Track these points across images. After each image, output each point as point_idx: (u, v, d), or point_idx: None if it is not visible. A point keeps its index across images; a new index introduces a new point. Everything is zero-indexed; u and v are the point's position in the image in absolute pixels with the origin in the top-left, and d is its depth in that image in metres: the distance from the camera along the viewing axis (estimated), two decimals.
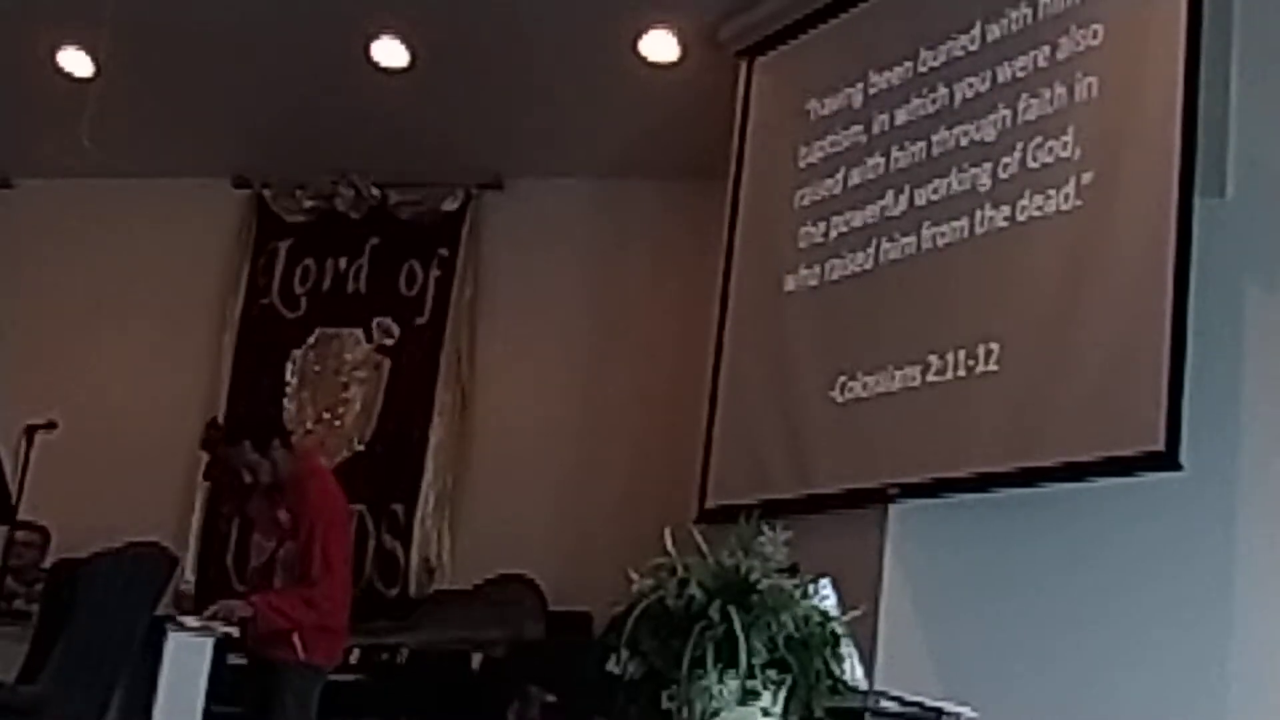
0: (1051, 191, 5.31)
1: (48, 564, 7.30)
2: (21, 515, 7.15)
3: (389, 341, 8.57)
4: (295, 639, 5.75)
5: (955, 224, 5.64)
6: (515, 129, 8.06)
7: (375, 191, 8.66)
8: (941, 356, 5.53)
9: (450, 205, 8.56)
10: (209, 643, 5.99)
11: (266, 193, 8.92)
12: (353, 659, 6.65)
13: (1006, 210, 5.46)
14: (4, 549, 7.40)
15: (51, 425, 7.10)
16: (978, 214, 5.57)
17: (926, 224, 5.76)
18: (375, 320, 8.61)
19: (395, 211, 8.66)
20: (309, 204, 8.85)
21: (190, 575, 8.37)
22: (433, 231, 8.58)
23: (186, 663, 5.87)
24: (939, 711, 2.97)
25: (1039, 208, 5.34)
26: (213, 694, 6.01)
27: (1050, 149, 5.35)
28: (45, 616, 5.98)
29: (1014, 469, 5.16)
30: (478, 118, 8.01)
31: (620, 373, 8.03)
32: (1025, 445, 5.17)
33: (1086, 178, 5.21)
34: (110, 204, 9.03)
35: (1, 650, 6.10)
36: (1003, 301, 5.43)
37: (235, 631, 5.81)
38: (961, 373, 5.43)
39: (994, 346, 5.35)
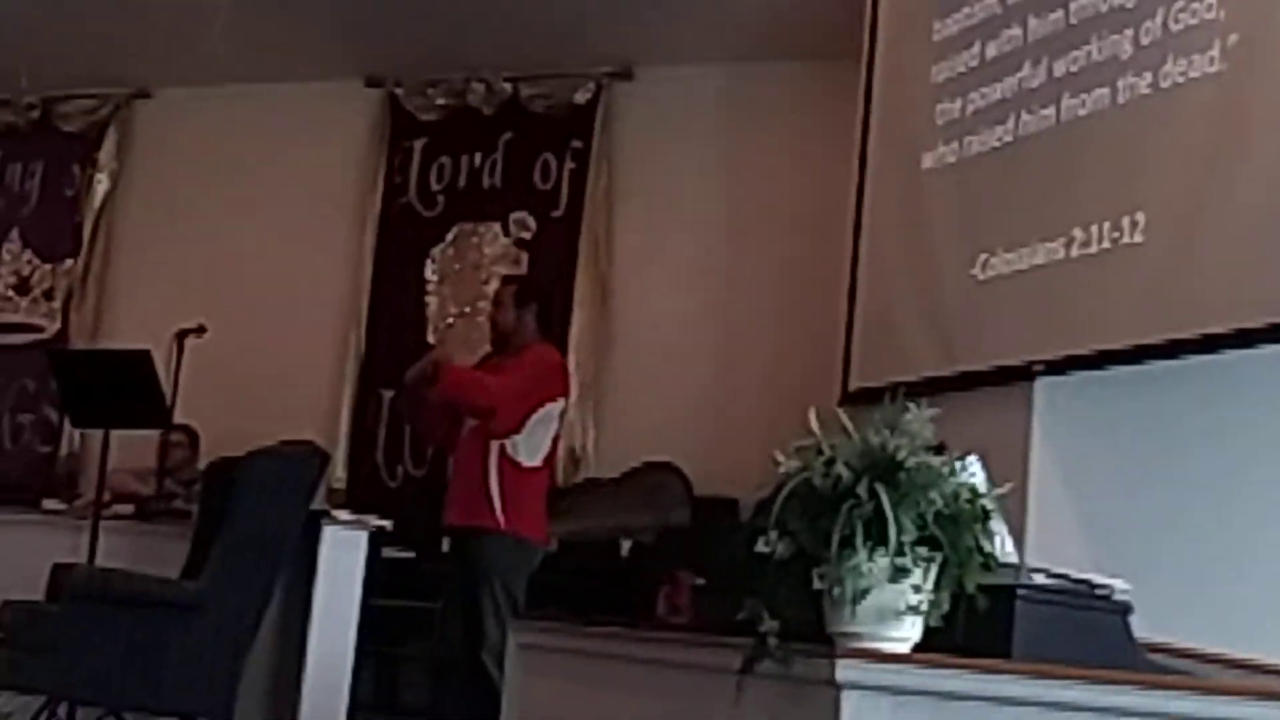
0: (1195, 56, 5.16)
1: (201, 465, 7.47)
2: (178, 418, 7.34)
3: (526, 235, 8.61)
4: (496, 506, 5.73)
5: (1096, 93, 5.51)
6: (645, 17, 7.99)
7: (506, 86, 8.67)
8: (1085, 229, 5.43)
9: (582, 97, 8.55)
10: (364, 536, 6.14)
11: (399, 91, 8.97)
12: None
13: (1149, 77, 5.33)
14: (161, 453, 7.58)
15: (200, 330, 7.25)
16: (1119, 82, 5.43)
17: (1066, 94, 5.63)
18: (512, 215, 8.66)
19: (527, 105, 8.67)
20: (441, 101, 8.89)
21: (341, 473, 8.54)
22: (565, 124, 8.58)
23: (343, 556, 6.02)
24: (1090, 584, 2.95)
25: (1182, 73, 5.20)
26: (370, 586, 6.15)
27: (1194, 11, 5.19)
28: (205, 514, 6.14)
29: (1160, 341, 5.08)
30: (606, 7, 7.96)
31: (759, 257, 8.01)
32: (1172, 316, 5.07)
33: (1232, 40, 5.05)
34: (247, 110, 9.15)
35: (165, 547, 6.28)
36: (1147, 171, 5.31)
37: (429, 371, 5.82)
38: (1106, 245, 5.34)
39: (1139, 217, 5.24)
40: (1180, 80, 5.20)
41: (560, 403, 6.07)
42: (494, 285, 8.48)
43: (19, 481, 8.82)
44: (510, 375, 5.81)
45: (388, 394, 8.57)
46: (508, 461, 5.80)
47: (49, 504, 7.49)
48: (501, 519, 5.74)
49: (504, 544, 5.74)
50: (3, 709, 5.46)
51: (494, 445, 5.78)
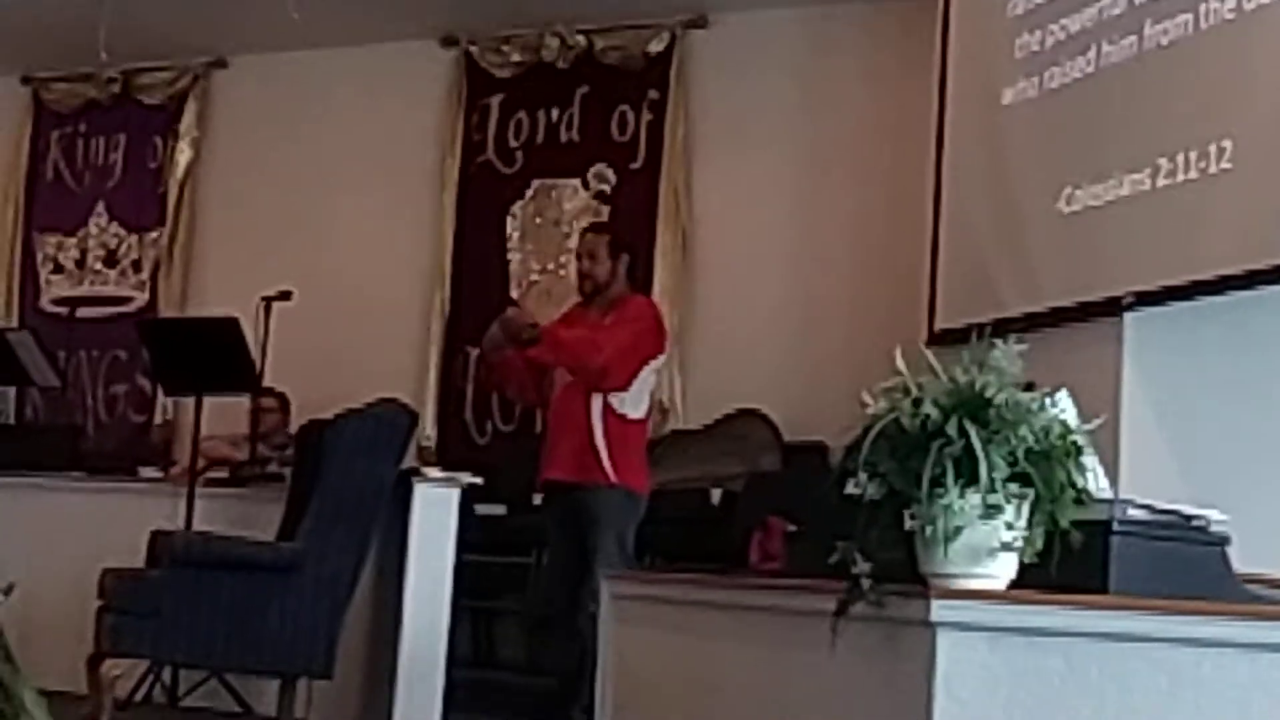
0: None
1: (293, 428, 7.54)
2: (267, 383, 7.41)
3: (606, 188, 8.60)
4: (605, 460, 5.76)
5: (1178, 19, 5.42)
6: None
7: (580, 38, 8.65)
8: (1171, 159, 5.35)
9: (656, 46, 8.51)
10: (455, 493, 6.17)
11: (473, 49, 8.97)
12: None
13: (1233, 1, 5.23)
14: (253, 418, 7.66)
15: (286, 295, 7.31)
16: (1201, 7, 5.34)
17: (1149, 22, 5.55)
18: (591, 168, 8.65)
19: (601, 57, 8.64)
20: (516, 58, 8.88)
21: (431, 431, 8.59)
22: (641, 75, 8.55)
23: (435, 514, 6.06)
24: (1186, 517, 2.91)
25: None
26: (463, 542, 6.19)
27: None
28: (298, 476, 6.21)
29: (1251, 270, 5.00)
30: None
31: (840, 200, 7.96)
32: (1263, 244, 4.99)
33: None
34: (323, 75, 9.19)
35: (260, 511, 6.36)
36: (1233, 97, 5.22)
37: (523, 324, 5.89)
38: (1193, 174, 5.26)
39: (1225, 144, 5.15)
40: (1265, 1, 5.10)
41: (661, 357, 6.15)
42: (575, 240, 8.58)
43: (116, 451, 8.95)
44: (619, 332, 5.83)
45: (474, 352, 8.61)
46: (613, 415, 5.83)
47: (145, 472, 7.58)
48: (611, 473, 5.77)
49: (616, 496, 5.78)
50: (108, 674, 5.54)
51: (597, 400, 5.80)
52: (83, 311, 9.32)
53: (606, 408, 5.81)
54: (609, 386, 5.79)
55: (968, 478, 2.52)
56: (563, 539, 5.94)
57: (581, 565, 5.72)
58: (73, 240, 9.86)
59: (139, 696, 6.31)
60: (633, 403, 5.88)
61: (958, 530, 2.53)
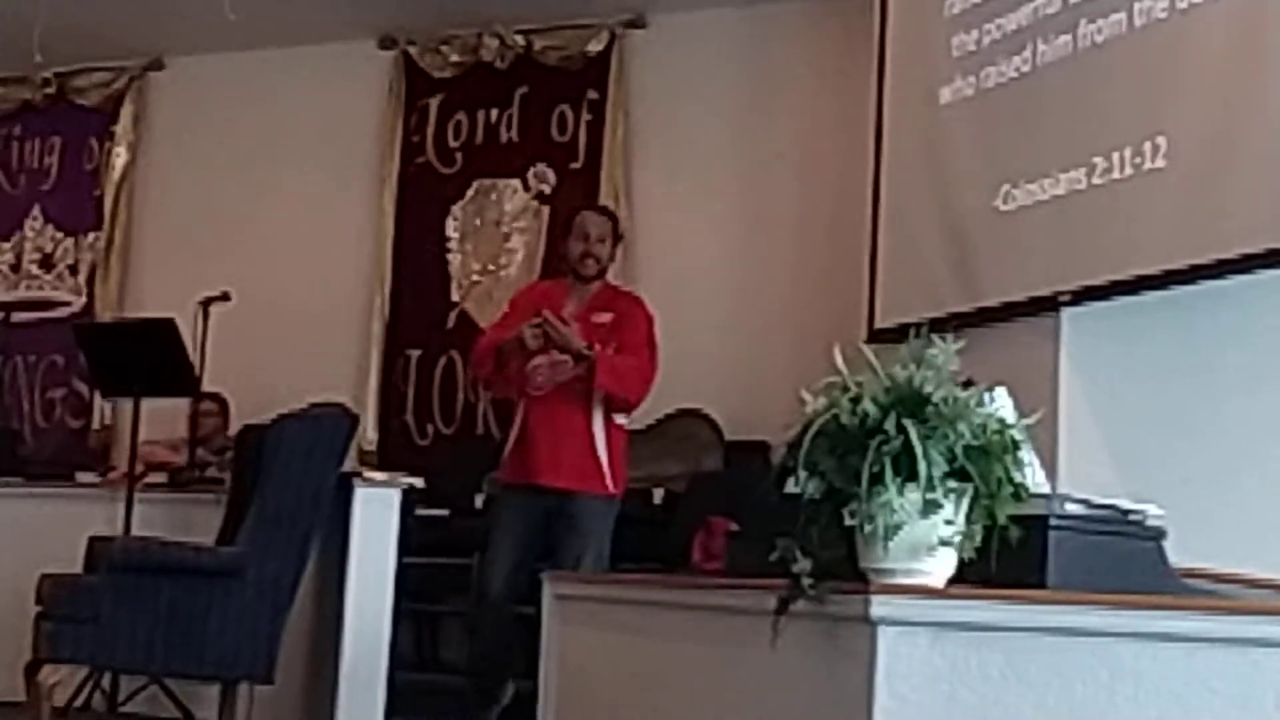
0: None
1: (232, 432, 7.49)
2: (207, 386, 7.35)
3: (546, 189, 8.59)
4: (605, 470, 5.68)
5: (1112, 18, 5.46)
6: None
7: (519, 39, 8.63)
8: (1106, 157, 5.40)
9: (596, 46, 8.50)
10: (396, 495, 6.14)
11: (412, 50, 8.94)
12: None
13: (1165, 0, 5.28)
14: (192, 422, 7.60)
15: (225, 297, 7.26)
16: (1135, 6, 5.38)
17: (1083, 21, 5.58)
18: (531, 169, 8.63)
19: (540, 57, 8.63)
20: (455, 58, 8.86)
21: (372, 433, 8.56)
22: (580, 75, 8.54)
23: (376, 516, 6.03)
24: (1123, 511, 2.94)
25: None
26: (405, 545, 6.16)
27: None
28: (237, 480, 6.17)
29: (1186, 265, 5.05)
30: None
31: (779, 199, 7.98)
32: (1197, 240, 5.04)
33: None
34: (261, 76, 9.14)
35: (200, 515, 6.32)
36: (1167, 95, 5.26)
37: (567, 364, 5.65)
38: (1129, 171, 5.30)
39: (1160, 142, 5.20)
40: (1197, 0, 5.14)
41: None
42: (516, 240, 8.57)
43: (53, 457, 8.87)
44: (645, 358, 5.81)
45: (415, 354, 8.60)
46: (613, 425, 5.79)
47: (83, 477, 7.52)
48: (610, 483, 5.71)
49: (602, 504, 5.71)
50: (46, 681, 5.49)
51: (599, 410, 5.72)
52: (18, 316, 9.21)
53: (608, 417, 5.76)
54: (633, 411, 5.85)
55: (906, 474, 2.53)
56: (520, 538, 5.77)
57: (534, 564, 5.60)
58: (8, 244, 9.77)
59: (78, 703, 6.25)
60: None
61: (897, 527, 2.54)
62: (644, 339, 5.86)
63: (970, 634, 2.54)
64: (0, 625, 6.17)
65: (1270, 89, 4.89)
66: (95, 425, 9.25)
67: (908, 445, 2.52)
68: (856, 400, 2.60)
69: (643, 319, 5.93)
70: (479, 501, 6.90)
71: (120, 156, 9.48)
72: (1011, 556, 2.61)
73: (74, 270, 9.58)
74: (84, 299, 9.51)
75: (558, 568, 5.43)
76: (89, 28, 8.83)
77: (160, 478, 7.12)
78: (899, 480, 2.53)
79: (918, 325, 2.81)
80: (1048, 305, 5.53)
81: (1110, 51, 5.47)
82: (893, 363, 2.66)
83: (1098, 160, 5.41)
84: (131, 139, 9.50)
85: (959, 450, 2.55)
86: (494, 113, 8.77)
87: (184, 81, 9.46)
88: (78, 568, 5.83)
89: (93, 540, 5.88)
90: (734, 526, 3.83)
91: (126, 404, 7.40)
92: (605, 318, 5.88)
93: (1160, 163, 5.19)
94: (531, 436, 5.77)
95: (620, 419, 5.84)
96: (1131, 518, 2.95)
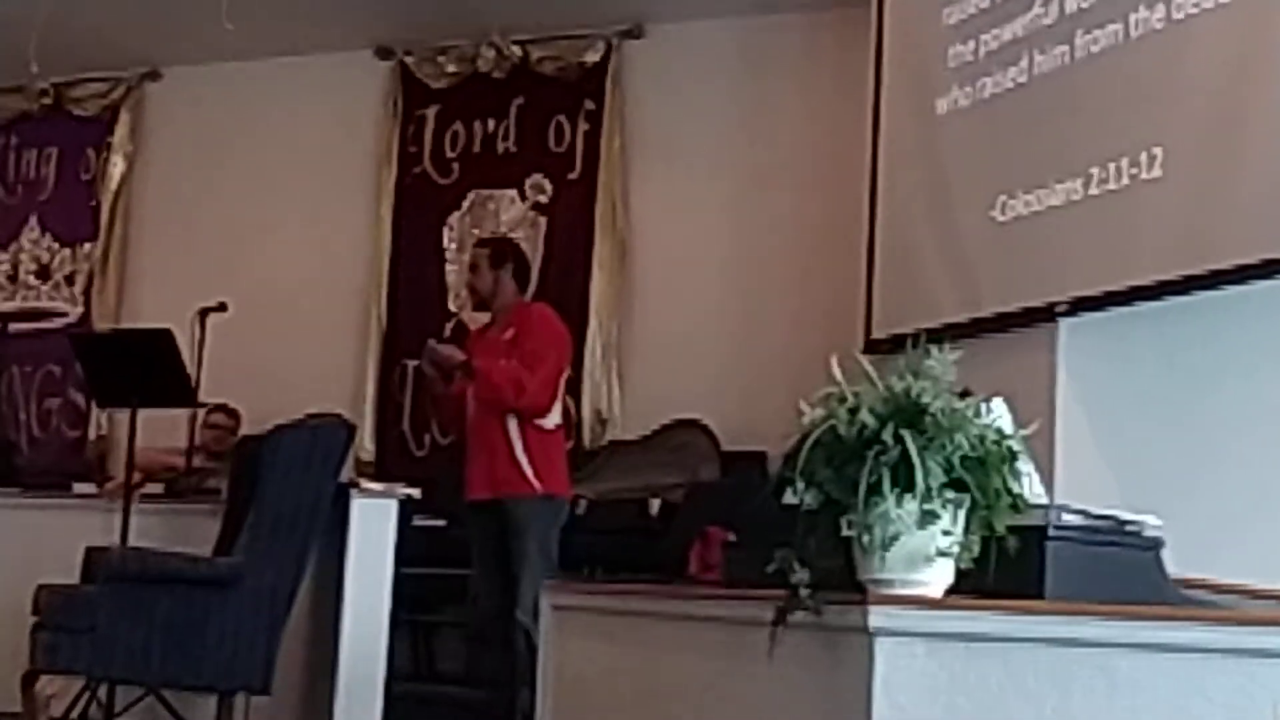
0: None
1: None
2: (204, 396, 7.34)
3: (543, 199, 8.59)
4: (529, 473, 5.84)
5: (1108, 29, 5.48)
6: None
7: (516, 49, 8.64)
8: (1103, 167, 5.41)
9: (592, 57, 8.51)
10: (393, 505, 6.14)
11: (409, 60, 8.95)
12: None
13: (1162, 10, 5.29)
14: (190, 431, 7.59)
15: (222, 307, 7.25)
16: (1132, 17, 5.40)
17: (1079, 32, 5.60)
18: (528, 179, 8.64)
19: (538, 68, 8.64)
20: (452, 69, 8.87)
21: (369, 444, 8.56)
22: (577, 85, 8.56)
23: (373, 526, 6.03)
24: (1121, 521, 2.93)
25: (1195, 4, 5.16)
26: (402, 555, 6.16)
27: None
28: (235, 491, 6.15)
29: (1183, 276, 5.05)
30: None
31: (777, 210, 7.98)
32: (1194, 251, 5.05)
33: None
34: (258, 87, 9.15)
35: (197, 525, 6.30)
36: (1164, 106, 5.28)
37: (454, 364, 5.96)
38: (1125, 182, 5.31)
39: (1156, 152, 5.21)
40: (1193, 11, 5.16)
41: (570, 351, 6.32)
42: None
43: (49, 467, 8.85)
44: (537, 363, 5.90)
45: (412, 364, 8.59)
46: (531, 428, 5.92)
47: (80, 488, 7.50)
48: (536, 484, 5.87)
49: (535, 503, 5.86)
50: (43, 692, 5.48)
51: (513, 418, 5.89)
52: (15, 326, 9.23)
53: (524, 423, 5.90)
54: (535, 416, 5.91)
55: (904, 485, 2.52)
56: (488, 553, 5.98)
57: (507, 575, 5.80)
58: (5, 255, 9.77)
59: (75, 714, 6.23)
60: (550, 414, 5.99)
61: (895, 537, 2.53)
62: (536, 344, 5.99)
63: (968, 644, 2.54)
64: None
65: (1266, 100, 4.90)
66: (92, 435, 9.25)
67: (905, 456, 2.52)
68: (854, 411, 2.60)
69: (536, 326, 6.07)
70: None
71: (117, 166, 9.49)
72: (1009, 567, 2.60)
73: (71, 280, 9.58)
74: (81, 309, 9.51)
75: (515, 573, 5.71)
76: (86, 38, 8.83)
77: (157, 488, 7.10)
78: (896, 491, 2.52)
79: (915, 336, 2.81)
80: (1045, 316, 5.53)
81: (1106, 62, 5.49)
82: (890, 373, 2.66)
83: (1094, 171, 5.43)
84: (128, 149, 9.51)
85: (956, 461, 2.55)
86: (491, 123, 8.78)
87: (181, 92, 9.46)
88: (74, 578, 5.81)
89: (90, 550, 5.86)
90: (731, 537, 3.82)
91: (123, 414, 7.39)
92: (509, 333, 6.04)
93: (1157, 173, 5.20)
94: (468, 455, 6.08)
95: (541, 422, 5.94)
96: (1129, 528, 2.95)
